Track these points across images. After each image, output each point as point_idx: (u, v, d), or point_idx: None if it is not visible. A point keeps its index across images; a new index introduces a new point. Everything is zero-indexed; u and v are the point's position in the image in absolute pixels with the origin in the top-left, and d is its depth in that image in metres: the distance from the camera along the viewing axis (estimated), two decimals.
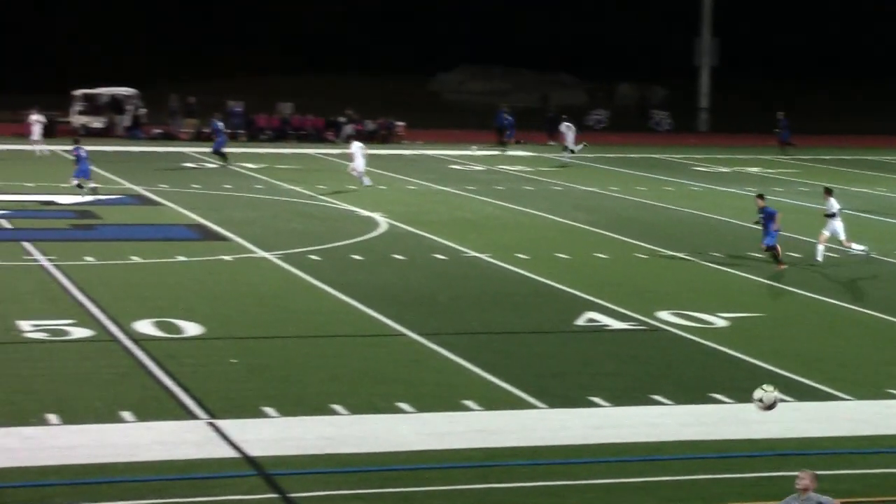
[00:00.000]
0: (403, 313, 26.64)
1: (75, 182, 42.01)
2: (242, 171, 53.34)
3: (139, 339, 23.72)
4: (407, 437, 18.73)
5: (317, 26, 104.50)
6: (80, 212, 39.71)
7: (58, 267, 30.23)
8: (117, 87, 70.92)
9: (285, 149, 64.85)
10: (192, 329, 24.73)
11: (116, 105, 69.39)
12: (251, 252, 33.57)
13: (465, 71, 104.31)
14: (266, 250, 33.65)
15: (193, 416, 19.41)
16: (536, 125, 73.45)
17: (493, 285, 30.39)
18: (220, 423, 19.03)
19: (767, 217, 32.39)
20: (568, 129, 63.36)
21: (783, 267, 32.17)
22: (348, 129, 69.25)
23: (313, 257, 32.87)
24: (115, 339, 23.78)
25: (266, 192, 46.31)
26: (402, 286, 29.75)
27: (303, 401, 20.36)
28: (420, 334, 24.98)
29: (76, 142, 43.62)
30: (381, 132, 71.18)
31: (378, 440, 18.56)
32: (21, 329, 24.14)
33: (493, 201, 44.87)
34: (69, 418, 18.96)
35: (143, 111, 69.72)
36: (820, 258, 33.20)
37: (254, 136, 69.03)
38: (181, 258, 32.17)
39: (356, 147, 48.42)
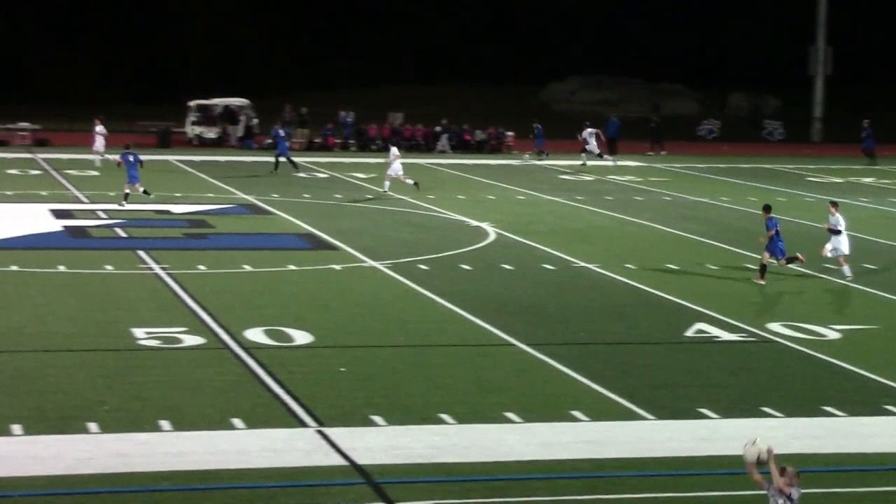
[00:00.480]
0: (511, 323, 26.64)
1: (141, 189, 42.72)
2: (352, 180, 53.68)
3: (250, 347, 23.96)
4: (514, 447, 18.73)
5: (428, 37, 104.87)
6: (193, 221, 40.23)
7: (171, 275, 30.64)
8: (231, 97, 71.76)
9: (421, 159, 65.11)
10: (301, 337, 24.93)
11: (230, 115, 70.19)
12: (360, 261, 33.77)
13: (575, 81, 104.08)
14: (375, 259, 33.83)
15: (303, 424, 19.57)
16: (646, 135, 73.09)
17: (602, 295, 30.28)
18: (329, 431, 19.18)
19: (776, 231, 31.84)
20: (591, 136, 63.26)
21: (762, 282, 31.55)
22: (444, 138, 69.46)
23: (422, 267, 32.98)
24: (226, 347, 24.05)
25: (376, 202, 46.56)
26: (510, 296, 29.74)
27: (410, 410, 20.44)
28: (528, 344, 24.96)
29: (127, 147, 44.28)
30: (491, 142, 71.29)
31: (485, 450, 18.58)
32: (135, 336, 24.49)
33: (602, 211, 44.71)
34: (181, 425, 19.20)
35: (255, 121, 70.45)
36: (848, 274, 32.60)
37: (364, 146, 69.44)
38: (292, 267, 32.44)
39: (394, 152, 48.77)
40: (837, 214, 32.79)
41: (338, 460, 17.99)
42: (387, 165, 48.61)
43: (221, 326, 25.47)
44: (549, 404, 20.95)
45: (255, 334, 24.93)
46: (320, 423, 19.51)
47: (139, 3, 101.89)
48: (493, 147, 70.89)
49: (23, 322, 25.28)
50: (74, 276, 30.31)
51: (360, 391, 21.42)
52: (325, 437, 18.94)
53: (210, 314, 26.54)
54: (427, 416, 20.02)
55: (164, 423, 19.20)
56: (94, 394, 20.59)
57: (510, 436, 19.31)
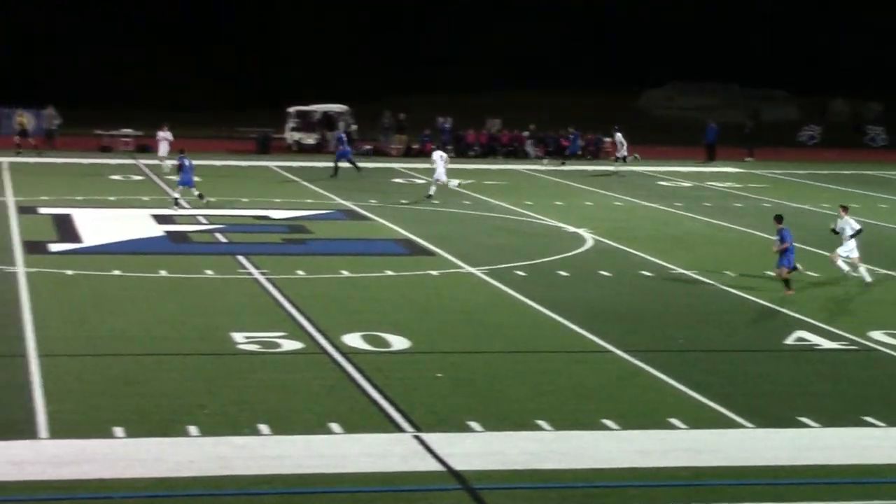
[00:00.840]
0: (608, 330, 26.55)
1: (196, 192, 43.33)
2: (450, 186, 53.72)
3: (348, 352, 24.09)
4: (611, 453, 18.67)
5: (526, 42, 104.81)
6: (292, 226, 40.53)
7: (270, 280, 30.90)
8: (330, 103, 72.22)
9: (493, 164, 65.23)
10: (399, 343, 25.03)
11: (329, 121, 70.63)
12: (458, 267, 33.83)
13: (674, 87, 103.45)
14: (472, 265, 33.87)
15: (400, 429, 19.64)
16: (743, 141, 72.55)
17: (700, 302, 30.08)
18: (426, 436, 19.23)
19: (784, 240, 31.25)
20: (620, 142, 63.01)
21: (790, 293, 30.94)
22: (530, 144, 69.35)
23: (519, 273, 32.97)
24: (324, 352, 24.20)
25: (473, 208, 46.62)
26: (607, 302, 29.65)
27: (507, 416, 20.44)
28: (625, 351, 24.86)
29: (181, 152, 44.76)
30: (589, 148, 71.11)
31: (582, 457, 18.53)
32: (235, 341, 24.72)
33: (701, 217, 44.42)
34: (280, 428, 19.36)
35: (354, 127, 70.82)
36: (868, 278, 32.36)
37: (462, 152, 69.57)
38: (389, 273, 32.57)
39: (438, 156, 49.09)
40: (847, 218, 32.67)
41: (435, 466, 18.03)
42: (432, 171, 48.90)
43: (319, 331, 25.64)
44: (646, 411, 20.86)
45: (353, 339, 25.07)
46: (417, 429, 19.58)
47: (241, 10, 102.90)
48: (592, 153, 70.71)
49: (125, 326, 25.63)
50: (175, 280, 30.68)
51: (457, 397, 21.46)
52: (422, 442, 19.00)
53: (308, 319, 26.73)
54: (524, 423, 20.01)
55: (263, 427, 19.37)
56: (195, 397, 20.83)
57: (607, 443, 19.25)
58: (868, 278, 32.40)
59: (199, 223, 40.56)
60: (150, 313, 26.85)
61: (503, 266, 33.87)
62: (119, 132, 68.15)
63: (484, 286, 31.48)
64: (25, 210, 41.63)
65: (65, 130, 68.31)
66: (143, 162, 59.73)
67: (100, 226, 39.07)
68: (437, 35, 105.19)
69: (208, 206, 43.10)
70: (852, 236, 32.51)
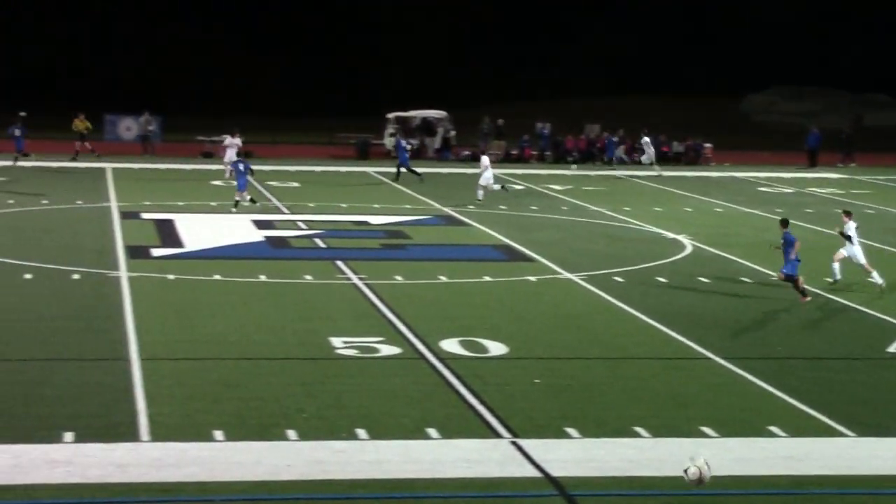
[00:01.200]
0: (707, 336, 26.36)
1: (248, 197, 43.70)
2: (548, 192, 53.72)
3: (445, 358, 24.13)
4: (709, 461, 18.49)
5: (624, 48, 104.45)
6: (390, 231, 40.70)
7: (368, 285, 31.04)
8: (429, 109, 72.42)
9: (592, 170, 65.04)
10: (496, 348, 25.03)
11: (428, 127, 70.83)
12: (556, 273, 33.76)
13: (776, 92, 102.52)
14: (570, 271, 33.79)
15: (497, 435, 19.64)
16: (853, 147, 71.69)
17: (800, 310, 29.74)
18: (523, 442, 19.21)
19: (787, 244, 30.67)
20: (648, 146, 62.15)
21: (807, 299, 30.25)
22: (620, 150, 69.03)
23: (617, 279, 32.84)
24: (422, 357, 24.26)
25: (571, 214, 46.52)
26: (706, 309, 29.44)
27: (605, 422, 20.37)
28: (724, 358, 24.67)
29: (239, 156, 45.16)
30: (689, 154, 70.66)
31: (680, 464, 18.33)
32: (333, 346, 24.87)
33: (802, 224, 43.91)
34: (377, 433, 19.44)
35: (452, 133, 70.95)
36: (839, 276, 32.18)
37: (560, 158, 69.44)
38: (487, 278, 32.59)
39: (485, 161, 49.37)
40: (850, 222, 32.25)
41: (532, 472, 18.01)
42: (478, 175, 49.19)
43: (417, 336, 25.72)
44: (745, 419, 20.68)
45: (451, 345, 25.11)
46: (514, 435, 19.57)
47: (342, 17, 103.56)
48: (691, 159, 70.26)
49: (225, 330, 25.88)
50: (275, 285, 30.92)
51: (554, 403, 21.42)
52: (519, 448, 18.98)
53: (406, 324, 26.82)
54: (621, 429, 19.93)
55: (361, 432, 19.46)
56: (293, 401, 20.98)
57: (705, 450, 19.01)
58: (838, 276, 32.13)
59: (299, 228, 40.86)
60: (249, 318, 27.09)
61: (602, 272, 33.75)
62: (220, 138, 68.78)
63: (582, 292, 31.40)
64: (128, 215, 42.20)
65: (167, 136, 69.15)
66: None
67: (201, 231, 39.51)
68: (537, 40, 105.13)
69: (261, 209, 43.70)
70: (849, 238, 32.16)
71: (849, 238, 32.31)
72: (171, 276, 31.33)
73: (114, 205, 44.78)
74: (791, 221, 32.54)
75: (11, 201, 44.65)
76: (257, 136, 71.81)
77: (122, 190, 49.10)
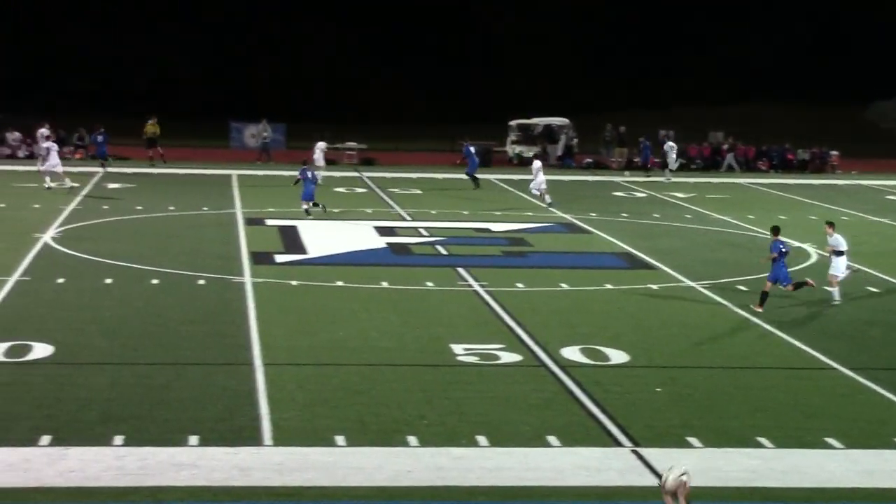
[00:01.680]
0: (833, 346, 26.01)
1: (311, 205, 44.09)
2: (671, 200, 53.35)
3: (566, 366, 24.09)
4: (834, 473, 18.28)
5: (748, 55, 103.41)
6: (512, 239, 40.70)
7: (489, 292, 31.08)
8: (552, 116, 72.33)
9: (715, 178, 64.49)
10: (617, 357, 24.93)
11: (550, 134, 70.73)
12: (678, 281, 33.53)
13: None
14: (693, 279, 33.54)
15: (618, 444, 19.57)
16: None
17: None
18: (644, 451, 19.13)
19: (781, 254, 29.91)
20: (671, 150, 60.99)
21: (759, 309, 29.42)
22: (730, 157, 68.29)
23: (740, 287, 32.51)
24: (542, 365, 24.23)
25: (695, 222, 46.16)
26: (831, 319, 29.05)
27: (727, 432, 20.18)
28: (850, 368, 24.32)
29: (304, 163, 45.40)
30: (815, 162, 69.77)
31: (804, 475, 18.19)
32: (454, 352, 24.93)
33: None
34: (497, 440, 19.46)
35: (575, 140, 70.77)
36: (838, 298, 30.80)
37: (683, 166, 68.95)
38: (609, 286, 32.46)
39: (538, 166, 49.46)
40: (837, 235, 31.24)
41: (652, 481, 17.89)
42: (531, 180, 49.60)
43: (538, 344, 25.70)
44: (872, 431, 20.37)
45: (571, 352, 25.05)
46: (635, 443, 19.48)
47: (466, 25, 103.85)
48: (817, 167, 69.36)
49: (347, 336, 26.08)
50: (396, 291, 31.09)
51: (675, 412, 21.28)
52: (640, 456, 18.89)
53: (527, 331, 26.81)
54: (744, 439, 19.74)
55: (481, 438, 19.50)
56: (414, 408, 21.07)
57: (831, 462, 18.85)
58: (837, 298, 30.91)
59: (421, 235, 41.03)
60: (371, 324, 27.27)
61: (724, 280, 33.46)
62: (344, 145, 69.41)
63: (704, 300, 31.14)
64: (253, 221, 42.70)
65: (291, 144, 69.81)
66: (367, 175, 60.70)
67: (324, 237, 39.84)
68: (660, 47, 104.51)
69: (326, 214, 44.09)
70: (839, 254, 31.12)
71: (840, 253, 31.15)
72: (295, 282, 31.64)
73: (239, 211, 45.34)
74: None
75: (139, 207, 45.43)
76: (379, 143, 72.32)
77: (246, 196, 49.70)
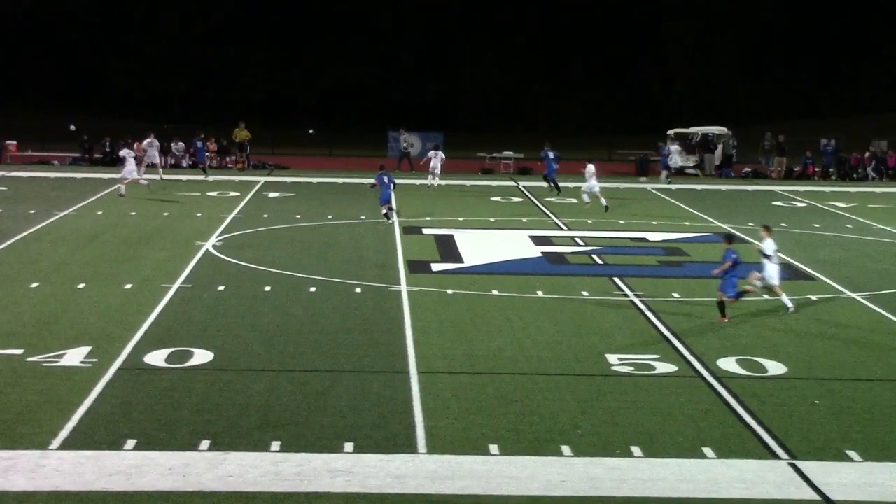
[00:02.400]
0: None
1: (383, 210, 44.34)
2: (832, 210, 52.46)
3: (723, 377, 23.83)
4: None
5: None
6: (668, 248, 40.38)
7: (645, 302, 30.88)
8: (710, 126, 71.66)
9: (878, 188, 63.27)
10: (775, 368, 24.59)
11: (707, 143, 70.05)
12: (838, 292, 32.96)
13: None
14: (854, 291, 32.94)
15: (774, 456, 19.31)
16: None
17: None
18: (802, 464, 18.85)
19: (734, 263, 28.78)
20: (677, 154, 59.10)
21: (724, 321, 28.56)
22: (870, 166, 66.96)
23: None
24: (698, 376, 24.00)
25: (856, 232, 45.32)
26: None
27: (888, 446, 19.79)
28: None
29: (381, 168, 45.42)
30: None
31: None
32: (609, 362, 24.83)
33: None
34: (652, 451, 19.34)
35: (734, 150, 69.98)
36: (790, 305, 29.76)
37: (845, 175, 67.80)
38: (766, 297, 31.99)
39: (590, 170, 50.26)
40: (769, 240, 29.95)
41: (810, 495, 17.65)
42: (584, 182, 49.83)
43: (694, 355, 25.46)
44: None
45: (728, 363, 24.78)
46: (792, 456, 19.20)
47: (627, 34, 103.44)
48: None
49: (502, 345, 26.11)
50: (551, 301, 31.05)
51: (834, 424, 20.92)
52: (798, 469, 18.62)
53: (683, 342, 26.59)
54: None
55: (635, 449, 19.39)
56: (569, 417, 21.03)
57: None
58: (789, 305, 29.88)
59: (576, 244, 40.92)
60: (525, 333, 27.28)
61: (887, 292, 32.79)
62: (500, 155, 69.59)
63: (865, 312, 30.56)
64: (410, 230, 43.00)
65: (449, 153, 70.11)
66: (523, 184, 60.74)
67: (480, 246, 39.95)
68: (822, 56, 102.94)
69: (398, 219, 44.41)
70: (767, 257, 29.94)
71: (767, 256, 30.06)
72: (450, 291, 31.79)
73: (396, 220, 45.67)
74: None
75: (298, 216, 46.05)
76: (536, 152, 72.31)
77: (404, 205, 50.07)
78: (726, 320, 28.81)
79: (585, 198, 49.71)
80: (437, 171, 57.66)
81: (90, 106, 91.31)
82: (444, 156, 58.98)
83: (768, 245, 30.16)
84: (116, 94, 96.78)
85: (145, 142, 58.42)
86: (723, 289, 29.15)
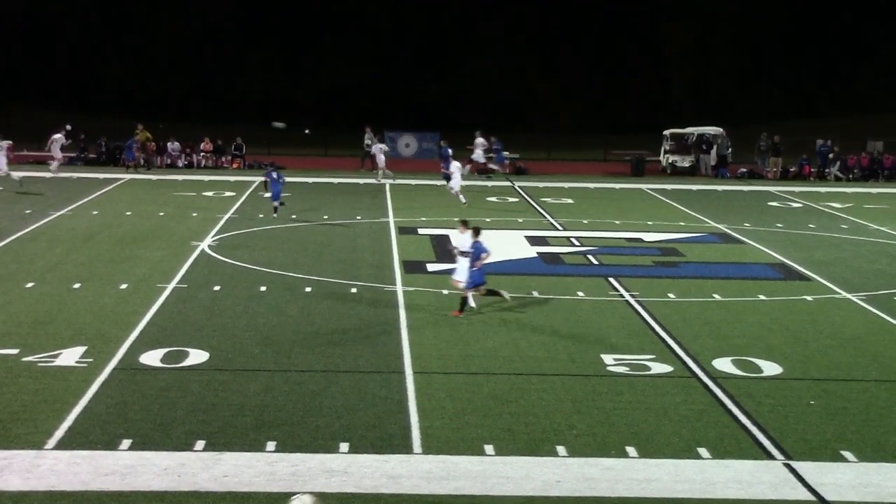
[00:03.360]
0: None
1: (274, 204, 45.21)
2: (827, 210, 52.51)
3: (718, 377, 23.84)
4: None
5: None
6: (664, 249, 40.40)
7: (640, 303, 30.90)
8: (706, 126, 71.73)
9: (874, 188, 63.34)
10: (770, 368, 24.61)
11: (704, 144, 70.08)
12: (834, 293, 32.98)
13: None
14: (849, 291, 32.97)
15: (770, 457, 19.32)
16: None
17: None
18: (797, 464, 18.87)
19: (475, 254, 28.88)
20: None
21: (459, 315, 28.67)
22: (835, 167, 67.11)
23: None
24: (694, 376, 24.02)
25: (851, 232, 45.35)
26: None
27: (883, 446, 19.82)
28: None
29: (271, 164, 46.44)
30: None
31: None
32: (604, 363, 24.84)
33: None
34: (647, 451, 19.35)
35: (729, 150, 70.03)
36: (473, 304, 29.58)
37: (821, 175, 68.04)
38: (762, 297, 32.05)
39: (457, 165, 51.48)
40: (465, 235, 29.76)
41: (805, 495, 17.66)
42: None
43: (689, 355, 25.48)
44: None
45: (723, 364, 24.80)
46: (788, 457, 19.22)
47: (624, 33, 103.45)
48: None
49: (497, 345, 26.11)
50: (547, 301, 31.05)
51: (829, 425, 20.94)
52: (793, 470, 18.64)
53: (678, 342, 26.60)
54: None
55: (631, 450, 19.40)
56: (564, 418, 21.04)
57: None
58: (473, 304, 29.66)
59: (572, 245, 40.92)
60: (521, 333, 27.28)
61: (883, 292, 32.82)
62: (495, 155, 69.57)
63: (861, 313, 30.59)
64: (406, 231, 43.00)
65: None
66: (518, 184, 60.74)
67: None
68: (818, 57, 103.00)
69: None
70: (464, 254, 29.65)
71: (465, 255, 29.66)
72: (446, 291, 31.77)
73: (391, 220, 45.72)
74: None
75: (294, 216, 46.03)
76: (532, 153, 72.40)
77: (399, 205, 50.08)
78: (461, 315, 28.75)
79: (452, 192, 50.75)
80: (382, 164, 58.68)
81: (89, 106, 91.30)
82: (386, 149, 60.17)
83: (462, 241, 29.88)
84: (114, 94, 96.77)
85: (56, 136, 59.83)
86: (472, 283, 29.15)
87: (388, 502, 17.16)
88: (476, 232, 29.74)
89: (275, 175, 46.13)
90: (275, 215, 45.08)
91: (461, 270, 29.64)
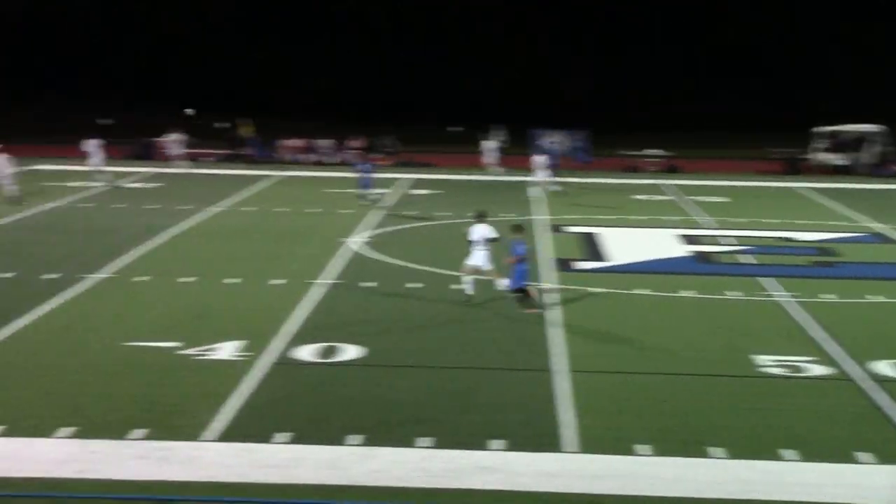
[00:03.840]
0: None
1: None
2: None
3: (880, 380, 23.36)
4: None
5: None
6: (820, 249, 39.72)
7: (796, 303, 30.41)
8: (863, 124, 70.38)
9: None
10: None
11: (860, 142, 68.80)
12: None
13: None
14: None
15: None
16: None
17: None
18: None
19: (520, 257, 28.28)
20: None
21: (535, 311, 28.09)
22: None
23: None
24: (853, 379, 23.56)
25: None
26: None
27: None
28: None
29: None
30: None
31: None
32: (758, 363, 24.49)
33: None
34: (806, 454, 19.03)
35: (889, 148, 68.60)
36: (470, 292, 29.12)
37: None
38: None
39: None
40: (479, 226, 29.64)
41: None
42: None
43: (850, 357, 25.00)
44: None
45: (885, 367, 24.28)
46: None
47: (776, 33, 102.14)
48: None
49: (651, 345, 25.89)
50: (700, 301, 30.73)
51: None
52: None
53: (837, 344, 26.12)
54: None
55: (788, 452, 19.09)
56: (719, 418, 20.79)
57: None
58: (470, 291, 29.39)
59: (726, 244, 40.43)
60: (674, 333, 27.03)
61: None
62: (642, 153, 69.16)
63: None
64: (553, 228, 42.87)
65: (597, 152, 69.93)
66: (668, 182, 60.24)
67: (625, 245, 39.68)
68: None
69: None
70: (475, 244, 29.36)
71: (471, 242, 29.58)
72: (597, 290, 31.63)
73: (539, 217, 45.60)
74: None
75: (444, 213, 46.17)
76: (686, 150, 71.81)
77: (548, 203, 49.97)
78: (535, 311, 28.67)
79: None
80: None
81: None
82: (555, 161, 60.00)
83: (475, 232, 29.96)
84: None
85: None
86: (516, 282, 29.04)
87: (544, 501, 17.10)
88: (517, 230, 29.74)
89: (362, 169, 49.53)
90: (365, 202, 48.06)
91: (476, 258, 29.83)
